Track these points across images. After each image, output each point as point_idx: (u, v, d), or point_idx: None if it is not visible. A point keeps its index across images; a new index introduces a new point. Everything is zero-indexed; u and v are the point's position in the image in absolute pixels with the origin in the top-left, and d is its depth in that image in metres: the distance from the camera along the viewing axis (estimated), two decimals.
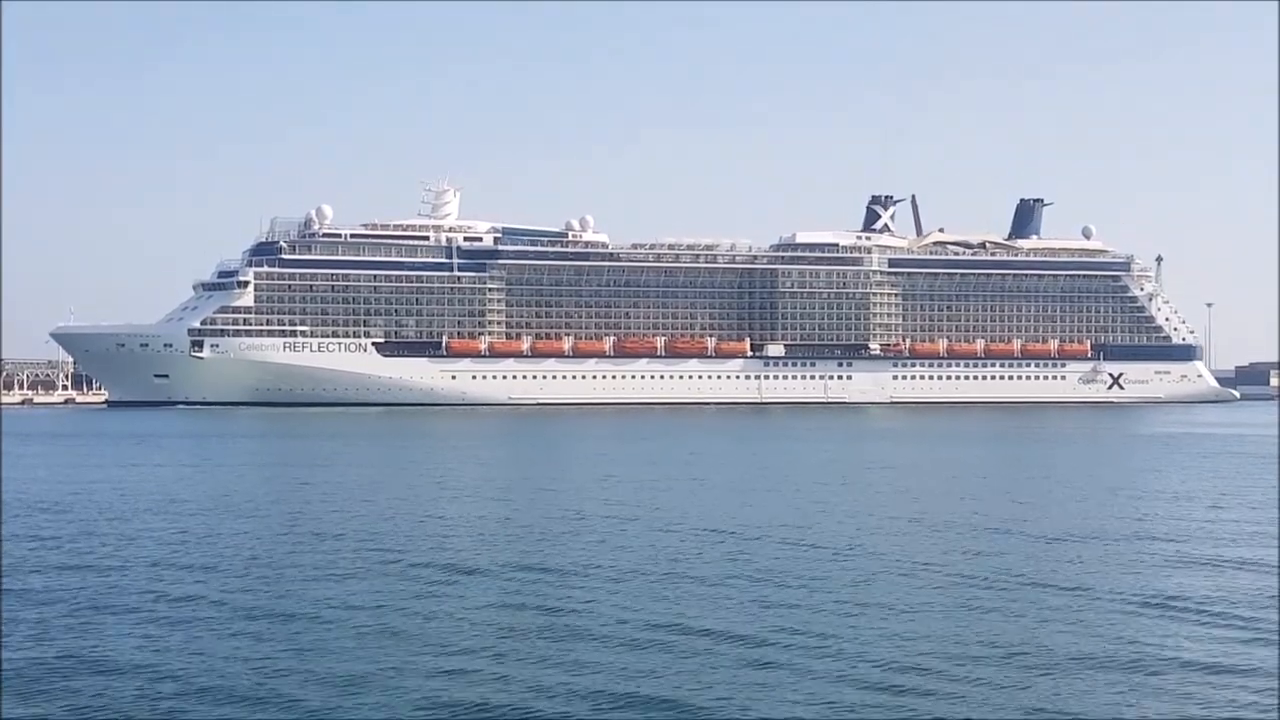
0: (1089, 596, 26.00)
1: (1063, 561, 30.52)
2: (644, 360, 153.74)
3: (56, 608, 24.71)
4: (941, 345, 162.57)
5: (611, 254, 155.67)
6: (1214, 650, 21.41)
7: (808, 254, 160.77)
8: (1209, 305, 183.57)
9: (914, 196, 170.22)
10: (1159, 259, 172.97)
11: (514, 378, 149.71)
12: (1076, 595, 26.12)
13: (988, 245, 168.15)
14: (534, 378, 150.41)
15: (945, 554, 31.55)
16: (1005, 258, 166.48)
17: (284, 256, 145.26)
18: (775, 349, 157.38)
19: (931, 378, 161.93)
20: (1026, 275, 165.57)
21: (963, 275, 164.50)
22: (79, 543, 33.42)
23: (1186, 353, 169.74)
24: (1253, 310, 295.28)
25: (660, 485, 48.99)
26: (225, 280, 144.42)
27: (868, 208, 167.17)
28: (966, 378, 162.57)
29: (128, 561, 30.37)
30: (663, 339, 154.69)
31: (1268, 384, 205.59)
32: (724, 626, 23.01)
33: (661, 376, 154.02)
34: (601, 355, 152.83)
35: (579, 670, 20.06)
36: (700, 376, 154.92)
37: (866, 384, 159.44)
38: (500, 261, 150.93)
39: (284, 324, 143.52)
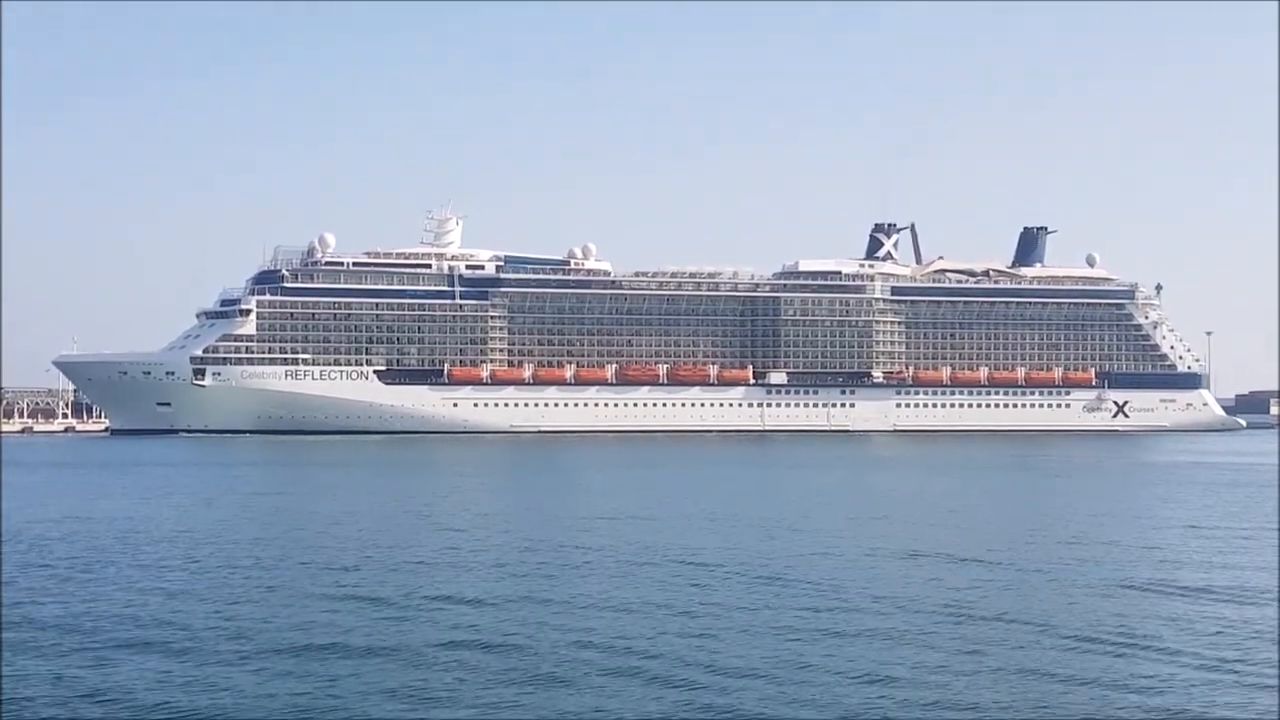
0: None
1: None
2: (646, 388, 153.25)
3: (68, 638, 24.20)
4: (945, 373, 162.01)
5: (614, 282, 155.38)
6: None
7: (810, 282, 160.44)
8: (1209, 334, 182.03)
9: (913, 225, 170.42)
10: (1158, 287, 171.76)
11: (515, 405, 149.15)
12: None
13: (991, 273, 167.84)
14: (535, 405, 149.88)
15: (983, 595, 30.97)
16: (1009, 285, 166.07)
17: (286, 285, 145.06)
18: (778, 377, 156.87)
19: (935, 406, 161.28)
20: (1030, 303, 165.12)
21: (966, 303, 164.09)
22: (91, 572, 32.90)
23: (1192, 381, 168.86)
24: (1252, 339, 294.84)
25: (662, 518, 48.44)
26: (227, 308, 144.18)
27: (871, 235, 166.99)
28: (970, 406, 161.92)
29: (143, 593, 29.84)
30: (665, 367, 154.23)
31: (1268, 412, 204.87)
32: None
33: (663, 404, 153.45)
34: (603, 383, 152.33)
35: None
36: (702, 404, 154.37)
37: (869, 412, 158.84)
38: (502, 290, 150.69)
39: (286, 352, 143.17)
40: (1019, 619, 26.42)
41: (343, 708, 19.55)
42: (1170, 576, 32.61)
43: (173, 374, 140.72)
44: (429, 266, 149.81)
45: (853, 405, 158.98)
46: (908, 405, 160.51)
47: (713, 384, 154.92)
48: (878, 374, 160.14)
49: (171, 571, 33.34)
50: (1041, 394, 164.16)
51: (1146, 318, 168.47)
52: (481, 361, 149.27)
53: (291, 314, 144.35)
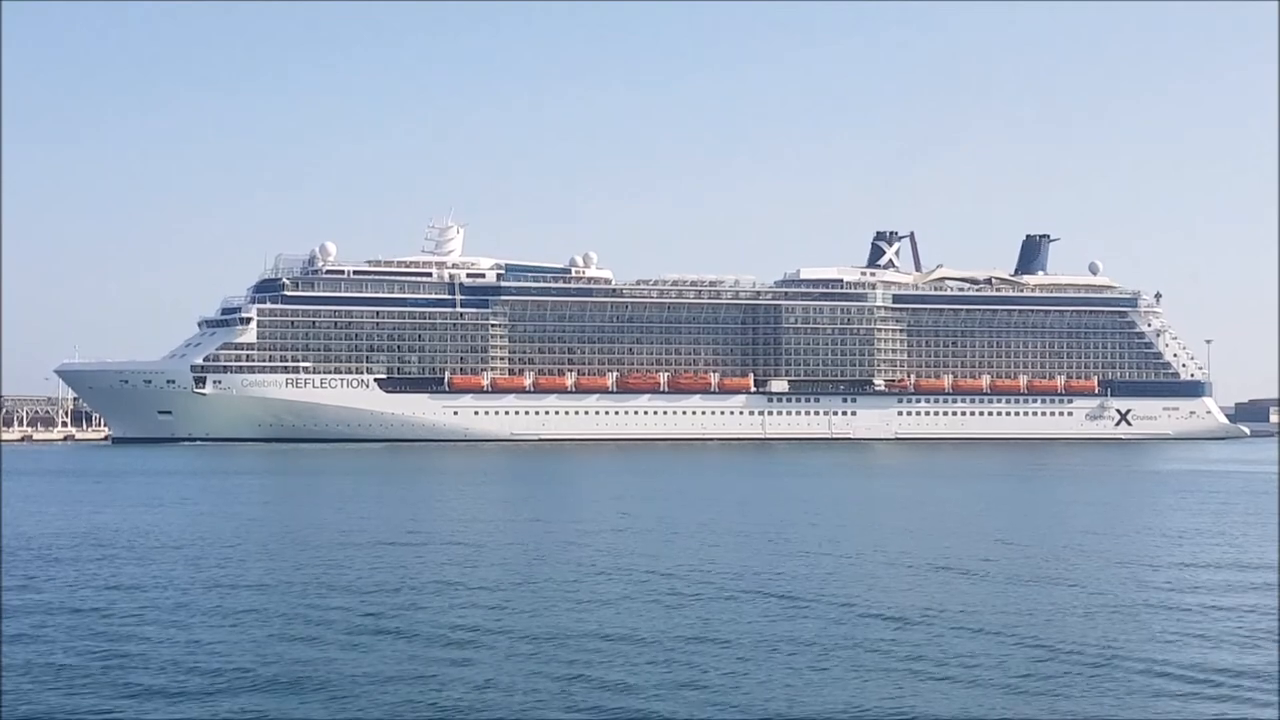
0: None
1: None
2: (646, 396, 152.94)
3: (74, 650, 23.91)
4: (946, 381, 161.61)
5: (615, 290, 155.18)
6: None
7: (812, 290, 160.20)
8: (1209, 342, 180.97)
9: (912, 234, 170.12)
10: (1158, 295, 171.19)
11: (516, 414, 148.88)
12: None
13: (994, 281, 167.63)
14: (536, 414, 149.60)
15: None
16: (1011, 293, 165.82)
17: (287, 293, 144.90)
18: (779, 385, 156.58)
19: (936, 414, 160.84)
20: (1033, 311, 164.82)
21: (968, 311, 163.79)
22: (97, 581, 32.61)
23: (1195, 389, 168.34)
24: (1251, 347, 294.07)
25: (670, 531, 48.17)
26: (229, 317, 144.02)
27: (873, 243, 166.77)
28: (972, 414, 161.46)
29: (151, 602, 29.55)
30: (665, 375, 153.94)
31: (1268, 420, 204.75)
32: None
33: (664, 412, 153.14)
34: (604, 391, 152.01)
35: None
36: (703, 412, 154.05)
37: (871, 420, 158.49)
38: (503, 298, 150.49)
39: (287, 360, 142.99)
40: (1022, 627, 26.15)
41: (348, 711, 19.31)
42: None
43: (174, 382, 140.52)
44: (430, 275, 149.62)
45: (854, 413, 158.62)
46: (909, 413, 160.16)
47: (714, 392, 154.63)
48: (879, 382, 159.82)
49: (178, 578, 33.05)
50: (1044, 402, 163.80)
51: (1149, 326, 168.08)
52: (482, 369, 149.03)
53: (292, 322, 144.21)
